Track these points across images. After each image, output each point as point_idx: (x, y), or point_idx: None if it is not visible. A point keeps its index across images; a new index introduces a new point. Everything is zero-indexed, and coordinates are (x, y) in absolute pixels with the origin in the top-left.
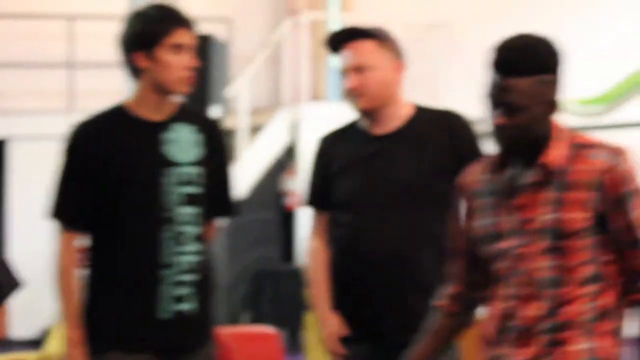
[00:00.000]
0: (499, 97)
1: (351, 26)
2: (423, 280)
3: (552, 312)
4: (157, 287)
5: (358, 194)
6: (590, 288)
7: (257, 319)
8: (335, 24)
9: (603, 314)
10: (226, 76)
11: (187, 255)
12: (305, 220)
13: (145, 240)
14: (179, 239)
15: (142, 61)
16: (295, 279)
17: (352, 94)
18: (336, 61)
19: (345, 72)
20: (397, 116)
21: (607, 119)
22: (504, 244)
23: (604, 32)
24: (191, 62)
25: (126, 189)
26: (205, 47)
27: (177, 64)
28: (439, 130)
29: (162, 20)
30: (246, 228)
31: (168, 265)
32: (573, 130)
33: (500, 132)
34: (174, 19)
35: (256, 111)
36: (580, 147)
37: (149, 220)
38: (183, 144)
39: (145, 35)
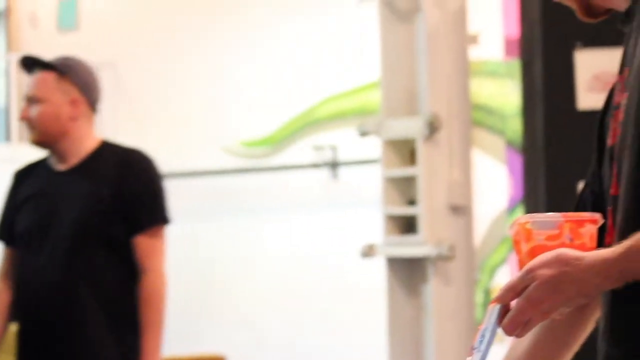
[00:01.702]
0: None
1: (33, 56)
2: (85, 331)
3: None
4: None
5: (28, 231)
6: None
7: None
8: (0, 63)
9: None
10: None
11: None
12: None
13: None
14: None
15: None
16: None
17: (27, 125)
18: None
19: (25, 101)
20: (76, 152)
21: (271, 161)
22: None
23: (268, 74)
24: None
25: None
26: None
27: None
28: (116, 168)
29: None
30: None
31: None
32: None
33: None
34: None
35: None
36: None
37: None
38: None
39: None
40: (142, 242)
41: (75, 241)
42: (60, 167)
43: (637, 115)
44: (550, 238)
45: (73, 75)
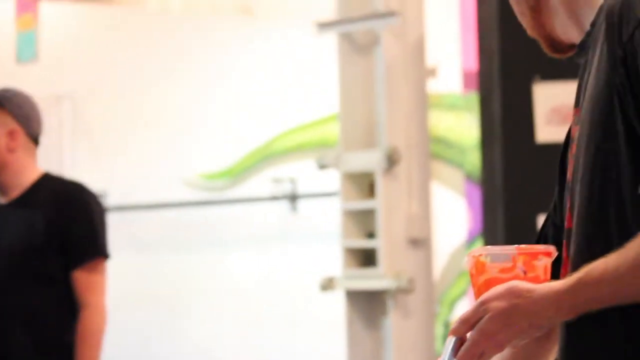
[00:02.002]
0: None
1: None
2: None
3: None
4: None
5: None
6: None
7: None
8: None
9: None
10: None
11: None
12: None
13: None
14: None
15: None
16: None
17: None
18: None
19: None
20: (17, 185)
21: (230, 193)
22: None
23: (228, 107)
24: None
25: None
26: None
27: None
28: (54, 201)
29: None
30: None
31: None
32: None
33: None
34: None
35: None
36: None
37: None
38: None
39: None
40: (80, 277)
41: (11, 275)
42: (2, 200)
43: (587, 149)
44: (503, 271)
45: (12, 107)
